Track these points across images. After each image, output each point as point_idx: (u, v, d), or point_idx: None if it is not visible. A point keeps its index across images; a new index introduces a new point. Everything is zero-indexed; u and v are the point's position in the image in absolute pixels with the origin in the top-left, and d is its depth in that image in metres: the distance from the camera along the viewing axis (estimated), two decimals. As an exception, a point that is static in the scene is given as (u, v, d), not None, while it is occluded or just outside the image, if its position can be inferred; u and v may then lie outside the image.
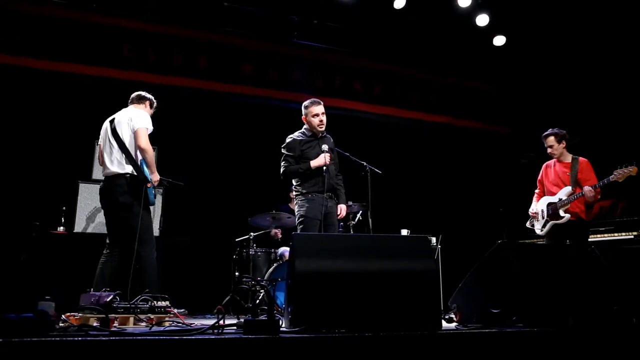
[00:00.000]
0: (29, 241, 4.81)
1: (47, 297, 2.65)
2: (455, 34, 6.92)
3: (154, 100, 4.42)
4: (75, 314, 3.14)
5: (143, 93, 4.38)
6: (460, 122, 7.83)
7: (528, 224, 5.03)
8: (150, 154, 4.05)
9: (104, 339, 1.98)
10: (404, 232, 5.73)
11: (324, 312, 2.54)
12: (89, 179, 5.36)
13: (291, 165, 4.31)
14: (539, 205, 4.92)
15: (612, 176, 4.50)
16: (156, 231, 5.42)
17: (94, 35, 6.06)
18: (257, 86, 6.80)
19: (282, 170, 4.35)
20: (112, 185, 4.02)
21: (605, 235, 5.34)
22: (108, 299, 3.06)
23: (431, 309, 2.75)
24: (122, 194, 3.96)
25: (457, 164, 7.69)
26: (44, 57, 5.84)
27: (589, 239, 4.91)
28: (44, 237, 4.95)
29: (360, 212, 5.56)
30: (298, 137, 4.40)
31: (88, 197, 5.27)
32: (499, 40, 6.81)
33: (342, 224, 5.10)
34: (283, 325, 2.70)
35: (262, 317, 2.44)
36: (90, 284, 3.88)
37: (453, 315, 3.36)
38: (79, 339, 1.96)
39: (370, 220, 4.75)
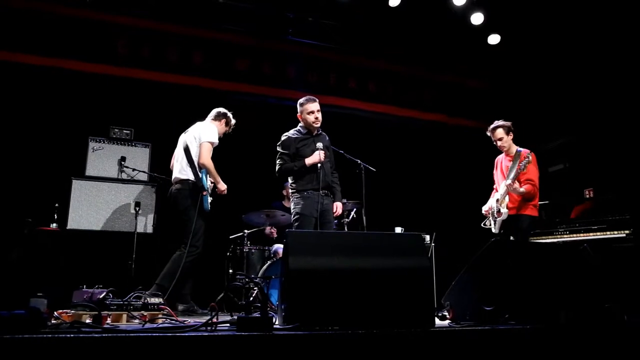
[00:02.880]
0: (21, 237, 4.79)
1: (39, 293, 2.63)
2: (450, 32, 6.92)
3: (231, 118, 4.89)
4: (68, 310, 3.12)
5: (222, 110, 4.87)
6: (454, 120, 7.84)
7: (484, 224, 4.91)
8: (211, 169, 4.49)
9: (96, 335, 1.97)
10: (398, 229, 5.75)
11: (317, 309, 2.54)
12: (82, 176, 5.34)
13: (286, 163, 4.31)
14: (489, 203, 4.87)
15: (520, 166, 4.47)
16: (150, 229, 5.42)
17: (88, 31, 6.02)
18: (252, 83, 6.78)
19: (277, 168, 4.36)
20: (179, 189, 4.50)
21: (598, 233, 5.37)
22: (101, 296, 3.05)
23: (424, 306, 2.76)
24: (183, 198, 4.44)
25: (451, 162, 7.70)
26: (37, 53, 5.80)
27: (583, 239, 4.89)
28: (37, 233, 4.93)
29: (355, 209, 5.57)
30: (293, 135, 4.40)
31: (81, 194, 5.25)
32: (494, 39, 6.83)
33: (336, 221, 5.10)
34: (276, 323, 2.70)
35: (256, 314, 2.44)
36: (83, 280, 3.86)
37: (446, 313, 3.37)
38: (71, 335, 1.94)
39: (364, 218, 4.76)
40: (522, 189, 4.54)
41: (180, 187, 4.48)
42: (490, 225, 4.85)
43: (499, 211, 4.67)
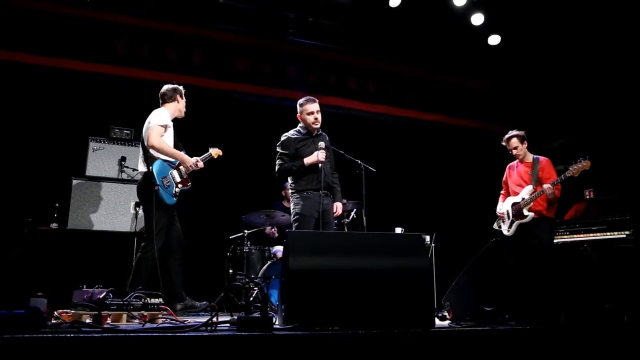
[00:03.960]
0: (21, 237, 4.79)
1: (39, 293, 2.63)
2: (450, 33, 6.93)
3: (181, 89, 4.52)
4: (68, 310, 3.12)
5: (169, 87, 4.46)
6: (454, 120, 7.85)
7: (495, 226, 5.04)
8: (163, 148, 4.16)
9: (96, 335, 1.97)
10: (398, 230, 5.74)
11: (317, 309, 2.54)
12: (82, 175, 5.34)
13: (285, 163, 4.30)
14: (504, 206, 4.96)
15: (568, 172, 4.55)
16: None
17: (87, 30, 6.02)
18: (252, 83, 6.79)
19: (276, 168, 4.35)
20: (139, 182, 4.27)
21: (598, 234, 5.38)
22: (101, 296, 3.05)
23: (424, 306, 2.76)
24: (140, 192, 4.23)
25: (452, 162, 7.70)
26: (37, 53, 5.80)
27: (584, 239, 4.92)
28: (37, 233, 4.93)
29: (355, 210, 5.56)
30: (293, 135, 4.39)
31: (81, 194, 5.25)
32: (494, 39, 6.83)
33: (336, 221, 5.10)
34: (276, 323, 2.70)
35: (256, 315, 2.44)
36: (83, 280, 3.86)
37: (446, 313, 3.37)
38: (71, 335, 1.94)
39: (364, 218, 4.76)
40: (557, 193, 4.64)
41: (140, 181, 4.26)
42: (502, 227, 4.94)
43: (518, 214, 4.75)
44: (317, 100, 4.39)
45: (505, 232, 4.90)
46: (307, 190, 4.23)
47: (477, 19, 6.49)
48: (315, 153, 4.18)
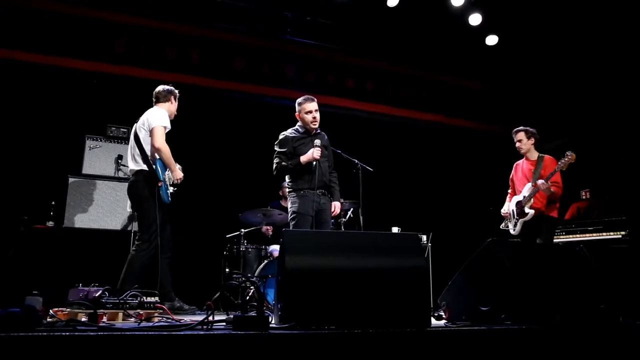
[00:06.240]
0: (17, 236, 4.77)
1: (34, 291, 2.62)
2: (448, 33, 6.94)
3: (176, 91, 4.54)
4: (64, 309, 3.12)
5: (165, 88, 4.48)
6: (451, 120, 7.86)
7: (502, 226, 5.07)
8: (166, 152, 4.19)
9: (92, 334, 1.96)
10: (395, 229, 5.75)
11: (313, 308, 2.54)
12: (78, 174, 5.34)
13: (283, 161, 4.29)
14: (510, 206, 4.99)
15: (557, 166, 4.62)
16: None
17: (85, 29, 6.01)
18: (250, 82, 6.78)
19: (274, 166, 4.34)
20: (133, 180, 4.24)
21: (594, 234, 5.40)
22: (97, 295, 3.05)
23: (421, 306, 2.76)
24: (138, 190, 4.18)
25: (449, 162, 7.72)
26: (35, 51, 5.79)
27: (580, 240, 4.93)
28: (33, 231, 4.92)
29: (352, 209, 5.57)
30: (291, 133, 4.39)
31: (77, 192, 5.25)
32: (492, 40, 6.84)
33: (333, 221, 5.10)
34: (272, 322, 2.70)
35: (252, 313, 2.44)
36: (79, 279, 3.86)
37: (442, 313, 3.38)
38: (67, 334, 1.94)
39: (361, 218, 4.76)
40: (552, 189, 4.67)
41: (135, 178, 4.22)
42: (508, 227, 4.97)
43: (521, 213, 4.77)
44: (315, 100, 4.39)
45: (512, 232, 4.92)
46: (304, 188, 4.22)
47: (475, 19, 6.50)
48: (311, 150, 4.17)
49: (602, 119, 6.66)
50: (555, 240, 5.59)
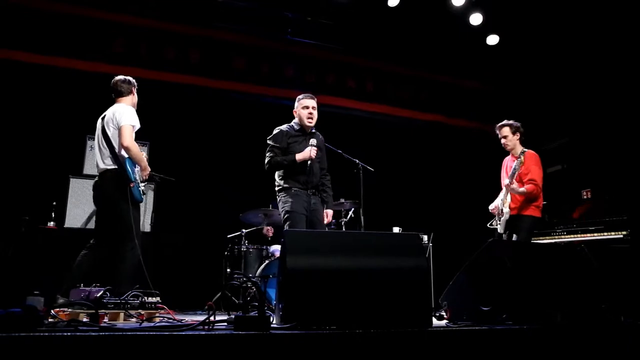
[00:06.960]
0: (18, 235, 4.78)
1: (36, 292, 2.62)
2: (448, 33, 6.93)
3: (134, 81, 4.33)
4: (65, 309, 3.12)
5: (125, 79, 4.26)
6: (452, 120, 7.86)
7: (489, 224, 4.92)
8: (135, 150, 4.00)
9: (93, 334, 1.96)
10: (396, 229, 5.75)
11: (314, 309, 2.53)
12: (79, 174, 5.34)
13: (277, 156, 4.23)
14: (496, 202, 4.90)
15: (513, 168, 4.53)
16: (147, 227, 5.41)
17: (85, 29, 6.01)
18: (250, 82, 6.79)
19: (266, 160, 4.27)
20: (101, 180, 4.03)
21: (595, 234, 5.39)
22: (98, 295, 3.05)
23: (422, 306, 2.75)
24: (108, 190, 3.97)
25: (449, 162, 7.72)
26: (35, 51, 5.79)
27: (581, 239, 4.89)
28: (34, 231, 4.92)
29: (352, 209, 5.56)
30: (285, 129, 4.32)
31: (79, 192, 5.25)
32: (493, 40, 6.84)
33: (334, 221, 5.09)
34: (274, 322, 2.70)
35: (253, 314, 2.44)
36: (80, 279, 3.86)
37: (443, 313, 3.37)
38: (68, 334, 1.94)
39: (362, 218, 4.75)
40: (521, 189, 4.59)
41: (104, 177, 4.02)
42: (496, 225, 4.89)
43: (501, 211, 4.73)
44: (315, 98, 4.37)
45: (499, 230, 4.81)
46: (295, 187, 4.16)
47: (476, 19, 6.49)
48: (308, 149, 4.11)
49: (603, 118, 6.65)
50: (557, 240, 5.59)
